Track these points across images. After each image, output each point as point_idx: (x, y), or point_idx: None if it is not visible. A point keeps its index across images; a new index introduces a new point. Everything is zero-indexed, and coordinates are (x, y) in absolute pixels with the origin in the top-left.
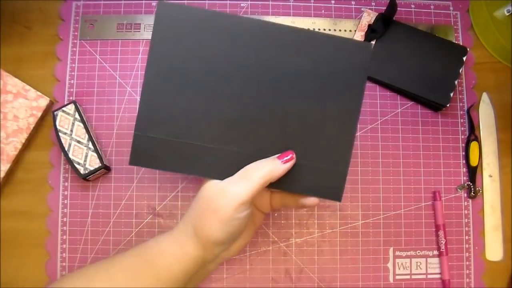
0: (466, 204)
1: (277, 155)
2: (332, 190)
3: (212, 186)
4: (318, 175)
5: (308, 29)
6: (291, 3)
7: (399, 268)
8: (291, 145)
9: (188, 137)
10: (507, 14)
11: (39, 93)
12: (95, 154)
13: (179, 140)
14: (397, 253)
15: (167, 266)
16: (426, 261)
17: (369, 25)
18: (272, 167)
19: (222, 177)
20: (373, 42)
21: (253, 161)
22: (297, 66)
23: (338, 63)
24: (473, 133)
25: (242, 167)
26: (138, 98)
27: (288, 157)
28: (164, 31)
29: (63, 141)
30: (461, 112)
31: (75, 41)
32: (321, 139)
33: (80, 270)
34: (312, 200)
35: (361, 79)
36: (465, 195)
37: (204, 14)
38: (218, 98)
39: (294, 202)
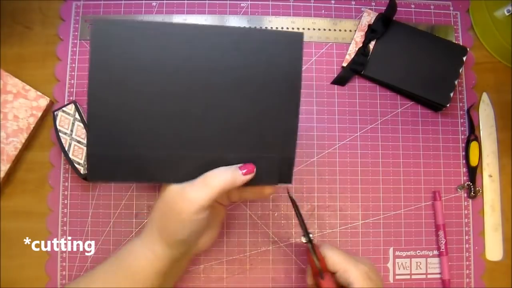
0: (466, 204)
1: (239, 165)
2: (283, 176)
3: (173, 190)
4: (269, 165)
5: (244, 26)
6: (291, 3)
7: (399, 268)
8: (239, 140)
9: (141, 147)
10: (507, 14)
11: (39, 93)
12: None
13: (134, 151)
14: (397, 253)
15: (141, 267)
16: (426, 261)
17: (369, 25)
18: (232, 177)
19: (181, 182)
20: (373, 42)
21: (213, 166)
22: (236, 63)
23: (274, 56)
24: (473, 133)
25: (200, 172)
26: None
27: (248, 169)
28: (101, 48)
29: (63, 141)
30: (461, 112)
31: (75, 41)
32: (266, 130)
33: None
34: (268, 190)
35: (297, 68)
36: (465, 195)
37: (139, 25)
38: (164, 105)
39: (252, 195)
